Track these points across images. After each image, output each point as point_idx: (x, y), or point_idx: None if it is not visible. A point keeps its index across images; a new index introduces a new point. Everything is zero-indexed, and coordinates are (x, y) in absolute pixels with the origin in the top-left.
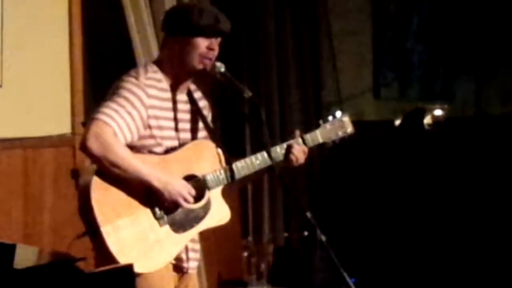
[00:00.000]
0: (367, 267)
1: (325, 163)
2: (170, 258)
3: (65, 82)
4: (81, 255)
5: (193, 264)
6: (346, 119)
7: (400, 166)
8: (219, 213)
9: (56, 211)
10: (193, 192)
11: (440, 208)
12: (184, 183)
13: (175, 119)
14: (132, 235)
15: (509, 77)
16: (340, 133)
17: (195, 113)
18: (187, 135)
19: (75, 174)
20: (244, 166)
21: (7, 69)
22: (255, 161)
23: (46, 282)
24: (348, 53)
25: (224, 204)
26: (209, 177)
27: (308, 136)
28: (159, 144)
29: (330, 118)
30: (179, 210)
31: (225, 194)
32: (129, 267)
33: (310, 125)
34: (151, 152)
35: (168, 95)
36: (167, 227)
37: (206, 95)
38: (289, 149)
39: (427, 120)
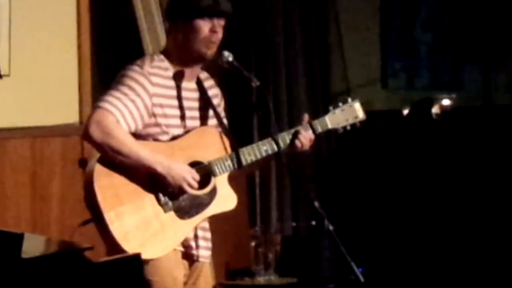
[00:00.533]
0: (375, 257)
1: (333, 152)
2: (175, 244)
3: (73, 72)
4: (89, 244)
5: (204, 253)
6: (357, 104)
7: (408, 156)
8: (225, 199)
9: (63, 200)
10: (197, 177)
11: (448, 197)
12: (188, 168)
13: (181, 107)
14: (136, 221)
15: None
16: (350, 120)
17: (205, 101)
18: (195, 123)
19: (83, 163)
20: (251, 152)
21: (16, 59)
22: (262, 147)
23: (53, 272)
24: (356, 43)
25: (231, 190)
26: (214, 163)
27: (316, 122)
28: (165, 132)
29: (340, 104)
30: (185, 195)
31: (232, 181)
32: (137, 256)
33: (317, 115)
34: (156, 140)
35: (174, 83)
36: (172, 213)
37: None
38: (295, 135)
39: (435, 109)
